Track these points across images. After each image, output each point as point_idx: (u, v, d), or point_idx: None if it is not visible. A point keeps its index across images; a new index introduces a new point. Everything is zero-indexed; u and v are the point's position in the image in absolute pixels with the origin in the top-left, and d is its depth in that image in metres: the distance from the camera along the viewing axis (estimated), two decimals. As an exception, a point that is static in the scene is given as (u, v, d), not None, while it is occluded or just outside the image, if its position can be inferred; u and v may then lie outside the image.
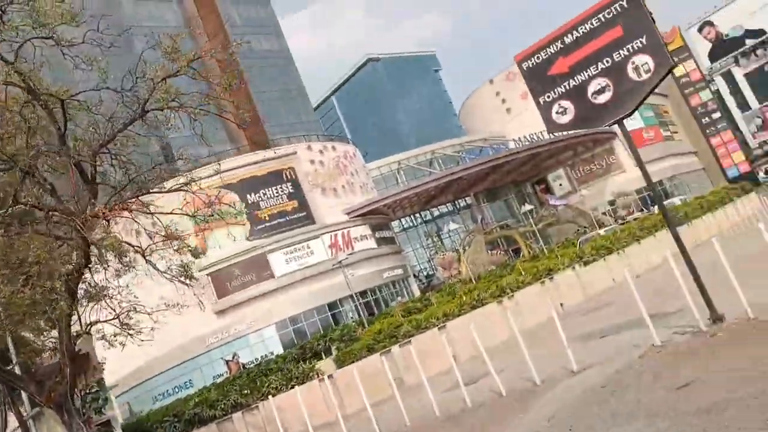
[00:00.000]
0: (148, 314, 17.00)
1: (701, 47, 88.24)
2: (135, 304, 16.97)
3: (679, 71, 42.85)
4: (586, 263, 23.66)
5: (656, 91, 51.50)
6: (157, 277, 16.72)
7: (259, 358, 43.12)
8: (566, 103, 11.29)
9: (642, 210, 56.93)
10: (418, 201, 58.03)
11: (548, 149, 59.14)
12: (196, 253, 16.74)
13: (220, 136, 53.25)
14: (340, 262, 33.22)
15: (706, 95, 42.73)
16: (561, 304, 21.63)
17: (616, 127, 49.90)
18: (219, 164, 33.96)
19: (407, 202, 57.02)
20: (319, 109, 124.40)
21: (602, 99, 10.89)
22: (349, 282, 33.49)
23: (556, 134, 59.26)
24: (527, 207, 47.98)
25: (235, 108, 16.05)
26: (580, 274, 23.07)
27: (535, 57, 11.51)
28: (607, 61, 10.82)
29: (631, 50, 10.52)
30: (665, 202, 51.11)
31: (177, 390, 45.64)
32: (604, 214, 60.87)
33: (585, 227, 58.00)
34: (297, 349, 34.52)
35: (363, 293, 50.03)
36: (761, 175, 54.11)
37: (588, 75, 10.99)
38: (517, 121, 66.04)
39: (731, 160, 42.62)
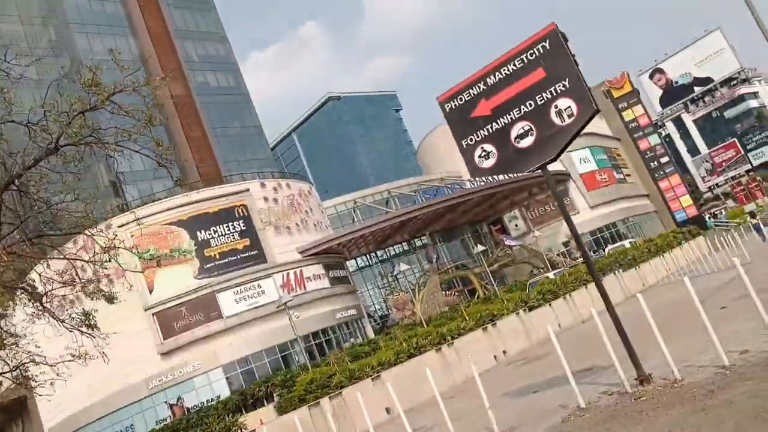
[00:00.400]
0: (50, 366, 15.63)
1: (652, 93, 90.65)
2: (34, 355, 15.60)
3: (628, 116, 43.32)
4: (531, 308, 23.00)
5: (609, 134, 51.85)
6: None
7: (205, 402, 41.40)
8: (489, 147, 10.62)
9: (595, 251, 57.09)
10: (373, 240, 57.25)
11: (503, 190, 59.15)
12: (111, 298, 15.51)
13: (173, 172, 51.99)
14: (285, 304, 32.00)
15: (654, 140, 43.14)
16: (504, 351, 20.86)
17: (571, 168, 49.55)
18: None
19: (362, 242, 56.18)
20: (279, 146, 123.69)
21: (525, 143, 10.24)
22: (293, 324, 32.30)
23: (510, 176, 59.48)
24: (480, 248, 47.57)
25: (156, 144, 15.04)
26: (524, 320, 22.37)
27: (458, 98, 10.88)
28: (530, 105, 10.21)
29: (554, 93, 9.92)
30: (616, 245, 51.29)
31: (118, 436, 43.52)
32: (559, 255, 60.92)
33: (540, 268, 57.92)
34: (238, 395, 33.09)
35: (315, 334, 48.75)
36: (708, 219, 54.69)
37: (511, 118, 10.35)
38: (473, 161, 66.14)
39: (679, 203, 42.87)
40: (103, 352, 16.76)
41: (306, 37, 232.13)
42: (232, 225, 47.92)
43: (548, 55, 9.89)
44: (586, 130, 52.86)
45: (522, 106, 10.22)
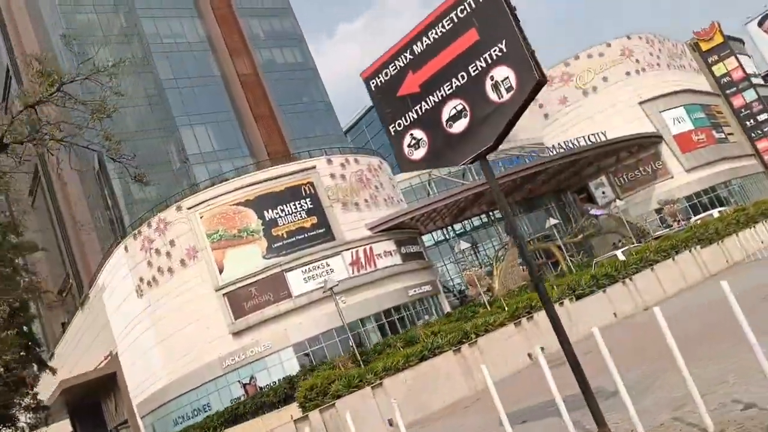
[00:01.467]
0: None
1: (763, 42, 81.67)
2: None
3: (719, 70, 38.03)
4: (579, 296, 20.23)
5: (708, 90, 46.09)
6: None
7: (277, 382, 41.20)
8: (419, 133, 8.21)
9: (689, 219, 52.16)
10: (448, 213, 54.93)
11: (586, 156, 54.96)
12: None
13: (242, 152, 51.75)
14: (330, 289, 30.45)
15: (750, 95, 37.75)
16: (541, 348, 18.38)
17: (664, 130, 44.78)
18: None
19: (437, 215, 54.01)
20: (365, 118, 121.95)
21: (458, 127, 7.78)
22: (340, 311, 30.84)
23: (594, 140, 55.17)
24: (553, 221, 44.17)
25: (105, 138, 13.64)
26: (570, 311, 19.65)
27: (383, 73, 8.48)
28: (462, 77, 7.70)
29: (489, 61, 7.37)
30: (703, 214, 46.30)
31: (196, 413, 44.21)
32: (660, 223, 56.30)
33: (630, 237, 53.87)
34: (286, 382, 32.33)
35: (388, 312, 47.57)
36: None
37: (441, 95, 7.87)
38: (555, 126, 62.14)
39: (782, 166, 37.50)
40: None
41: (394, 4, 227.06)
42: (299, 203, 47.12)
43: (481, 11, 7.32)
44: (681, 87, 47.82)
45: (453, 80, 7.72)
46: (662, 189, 57.28)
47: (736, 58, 39.72)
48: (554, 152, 55.22)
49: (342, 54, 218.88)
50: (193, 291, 45.08)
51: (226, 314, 44.43)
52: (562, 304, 19.54)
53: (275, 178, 47.23)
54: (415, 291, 49.41)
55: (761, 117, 38.42)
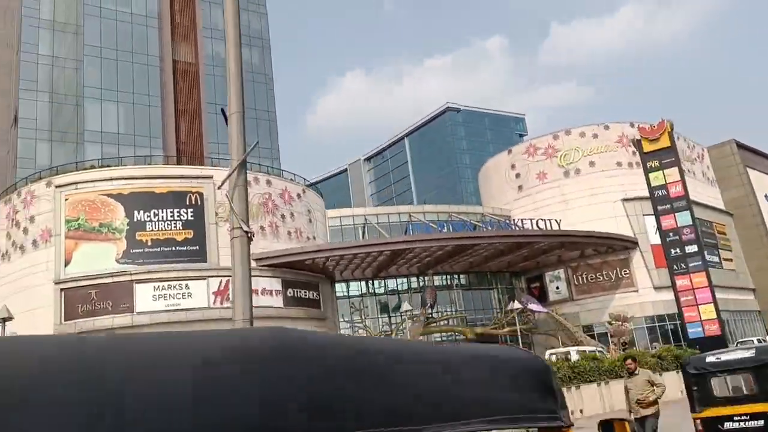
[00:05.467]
0: None
1: None
2: None
3: (656, 179, 28.13)
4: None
5: (719, 206, 37.05)
6: None
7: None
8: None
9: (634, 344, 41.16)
10: (368, 266, 46.14)
11: (538, 243, 45.02)
12: None
13: (154, 143, 44.86)
14: None
15: (684, 219, 27.59)
16: None
17: (641, 236, 34.99)
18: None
19: (354, 265, 45.37)
20: (390, 149, 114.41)
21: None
22: None
23: (543, 226, 45.11)
24: (406, 306, 34.60)
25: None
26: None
27: None
28: None
29: None
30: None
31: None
32: (592, 336, 45.55)
33: (566, 344, 43.57)
34: None
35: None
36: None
37: None
38: (527, 201, 52.27)
39: (697, 313, 26.91)
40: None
41: (482, 52, 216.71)
42: (178, 212, 39.84)
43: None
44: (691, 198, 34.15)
45: None
46: (622, 302, 46.31)
47: (680, 171, 29.55)
48: (515, 228, 45.69)
49: (422, 87, 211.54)
50: (35, 278, 38.36)
51: (57, 313, 37.45)
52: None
53: (161, 177, 40.19)
54: (285, 342, 40.73)
55: (689, 248, 27.93)
